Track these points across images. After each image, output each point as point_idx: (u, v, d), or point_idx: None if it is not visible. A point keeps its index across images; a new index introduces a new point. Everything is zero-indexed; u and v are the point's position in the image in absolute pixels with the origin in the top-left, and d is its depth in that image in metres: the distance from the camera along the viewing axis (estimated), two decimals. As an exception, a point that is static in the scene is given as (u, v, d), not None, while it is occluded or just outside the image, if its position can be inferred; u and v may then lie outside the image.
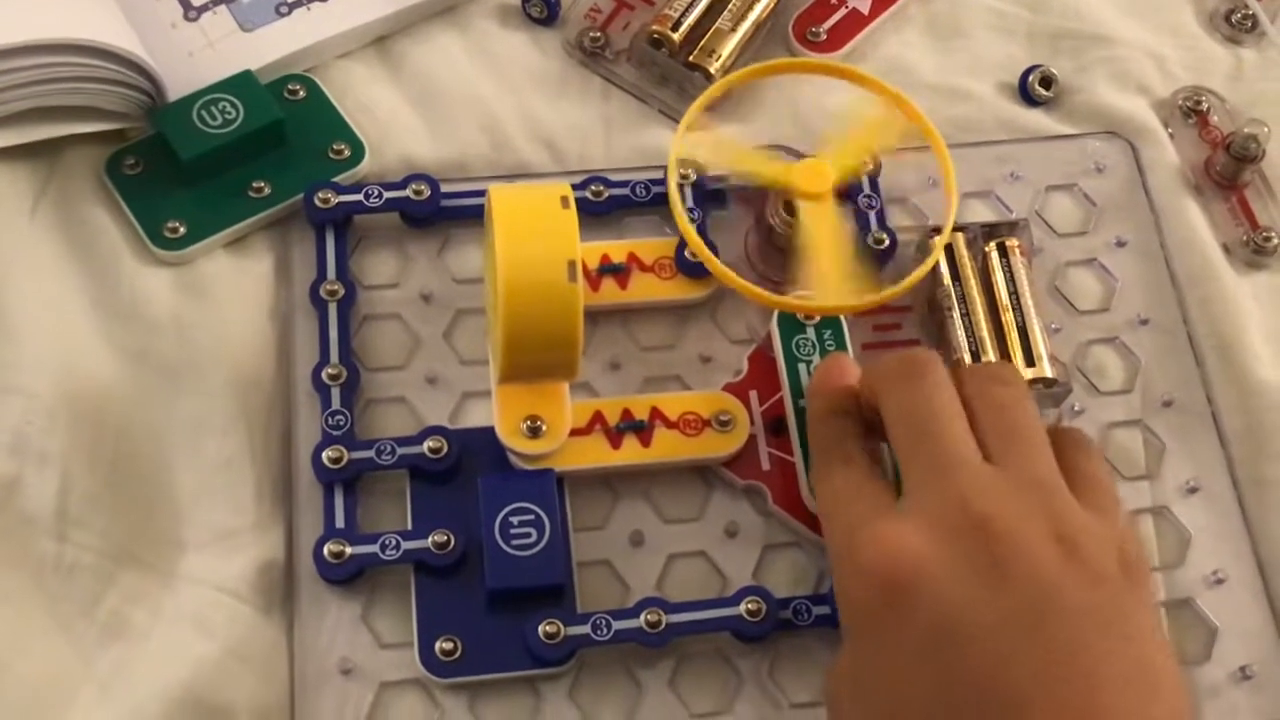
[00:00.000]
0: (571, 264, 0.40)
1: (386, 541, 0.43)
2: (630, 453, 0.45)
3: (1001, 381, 0.41)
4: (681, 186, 0.50)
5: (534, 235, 0.40)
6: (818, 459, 0.43)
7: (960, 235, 0.49)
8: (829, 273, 0.46)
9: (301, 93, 0.51)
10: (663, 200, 0.50)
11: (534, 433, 0.44)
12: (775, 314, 0.47)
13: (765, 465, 0.46)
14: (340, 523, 0.44)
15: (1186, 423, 0.49)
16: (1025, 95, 0.54)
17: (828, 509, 0.41)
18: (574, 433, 0.45)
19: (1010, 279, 0.48)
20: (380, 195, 0.48)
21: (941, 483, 0.38)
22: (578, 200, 0.42)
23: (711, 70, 0.52)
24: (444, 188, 0.49)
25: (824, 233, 0.46)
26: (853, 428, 0.42)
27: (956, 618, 0.36)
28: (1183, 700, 0.36)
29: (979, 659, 0.35)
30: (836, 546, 0.40)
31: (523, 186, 0.44)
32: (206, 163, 0.48)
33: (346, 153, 0.50)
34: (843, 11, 0.55)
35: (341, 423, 0.45)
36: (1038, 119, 0.54)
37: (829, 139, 0.49)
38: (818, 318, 0.47)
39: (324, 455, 0.44)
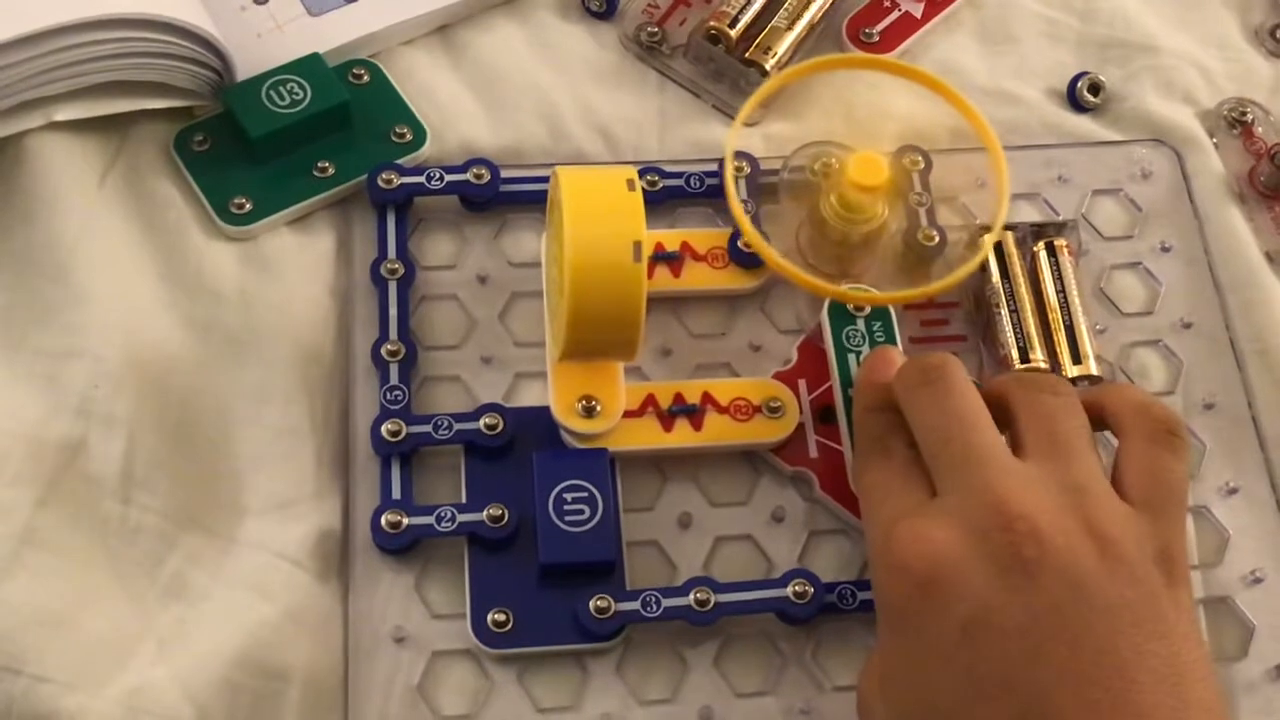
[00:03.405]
0: (637, 245, 0.41)
1: (442, 514, 0.44)
2: (682, 435, 0.46)
3: (1053, 391, 0.41)
4: (735, 179, 0.51)
5: (601, 215, 0.41)
6: (859, 453, 0.44)
7: (1010, 234, 0.50)
8: (880, 265, 0.47)
9: (365, 77, 0.52)
10: (715, 192, 0.51)
11: (588, 412, 0.45)
12: (825, 305, 0.48)
13: (813, 453, 0.46)
14: (396, 494, 0.44)
15: (1227, 425, 0.49)
16: (1073, 101, 0.55)
17: (866, 504, 0.42)
18: (627, 414, 0.46)
19: (1058, 278, 0.49)
20: (442, 178, 0.49)
21: (971, 481, 0.38)
22: (632, 190, 0.43)
23: (767, 67, 0.53)
24: (503, 173, 0.50)
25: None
26: (895, 422, 0.42)
27: (986, 614, 0.36)
28: (1216, 700, 0.36)
29: (1008, 656, 0.36)
30: (872, 541, 0.41)
31: (590, 168, 0.45)
32: (274, 141, 0.49)
33: (409, 136, 0.51)
34: (895, 14, 0.56)
35: (399, 398, 0.46)
36: (1085, 124, 0.55)
37: (882, 135, 0.50)
38: (868, 309, 0.48)
39: (383, 428, 0.45)
